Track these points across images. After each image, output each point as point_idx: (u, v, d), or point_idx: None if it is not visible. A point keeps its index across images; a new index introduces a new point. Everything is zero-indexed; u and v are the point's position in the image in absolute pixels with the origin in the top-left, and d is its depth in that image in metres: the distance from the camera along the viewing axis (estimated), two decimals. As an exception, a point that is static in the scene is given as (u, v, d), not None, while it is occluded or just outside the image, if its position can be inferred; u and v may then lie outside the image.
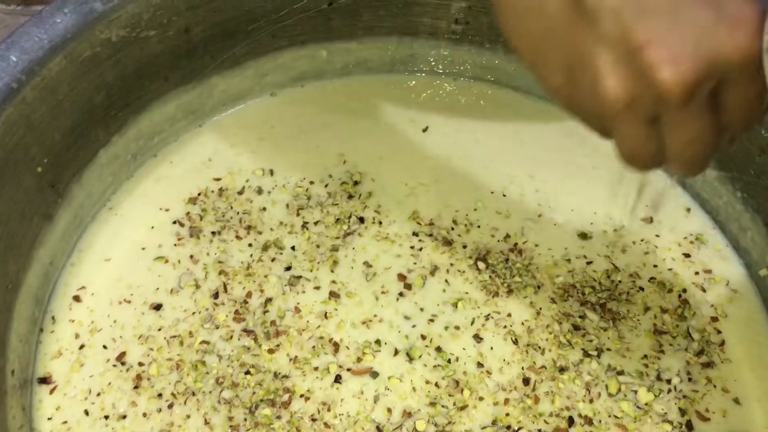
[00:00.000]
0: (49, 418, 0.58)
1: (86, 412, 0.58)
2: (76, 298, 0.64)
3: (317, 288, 0.66)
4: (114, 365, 0.61)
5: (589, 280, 0.67)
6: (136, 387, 0.60)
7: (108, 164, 0.68)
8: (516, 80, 0.81)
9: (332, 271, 0.67)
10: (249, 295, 0.65)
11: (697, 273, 0.69)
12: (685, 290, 0.67)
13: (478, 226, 0.71)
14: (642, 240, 0.70)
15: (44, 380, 0.59)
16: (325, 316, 0.64)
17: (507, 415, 0.59)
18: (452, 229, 0.71)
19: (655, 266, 0.69)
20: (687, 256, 0.70)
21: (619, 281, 0.67)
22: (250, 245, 0.68)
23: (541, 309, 0.65)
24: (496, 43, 0.79)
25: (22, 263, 0.58)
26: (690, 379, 0.62)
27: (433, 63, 0.81)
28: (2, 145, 0.54)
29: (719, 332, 0.65)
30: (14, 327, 0.57)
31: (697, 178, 0.73)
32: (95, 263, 0.66)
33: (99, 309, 0.64)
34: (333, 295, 0.66)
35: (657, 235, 0.71)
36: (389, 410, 0.59)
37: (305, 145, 0.76)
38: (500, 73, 0.81)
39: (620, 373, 0.62)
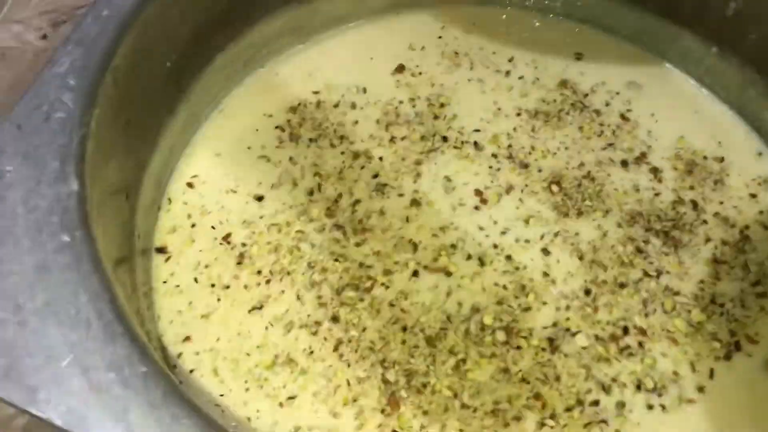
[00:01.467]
0: (164, 282, 0.66)
1: (195, 280, 0.67)
2: (189, 185, 0.72)
3: (401, 195, 0.72)
4: (220, 243, 0.69)
5: (655, 210, 0.72)
6: (239, 263, 0.68)
7: (222, 69, 0.75)
8: (603, 20, 0.84)
9: (414, 182, 0.73)
10: (340, 196, 0.72)
11: (761, 212, 0.72)
12: (747, 227, 0.71)
13: (555, 153, 0.76)
14: (711, 178, 0.74)
15: (161, 250, 0.68)
16: (407, 220, 0.71)
17: (567, 319, 0.65)
18: (530, 153, 0.76)
19: (721, 203, 0.73)
20: (753, 196, 0.73)
21: (684, 213, 0.72)
22: (342, 153, 0.75)
23: (607, 232, 0.70)
24: (587, -18, 0.82)
25: (149, 146, 0.67)
26: (743, 306, 0.66)
27: (524, -2, 0.86)
28: (141, 40, 0.61)
29: (776, 266, 0.69)
30: (140, 199, 0.65)
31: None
32: (207, 156, 0.74)
33: (209, 195, 0.72)
34: (414, 202, 0.72)
35: (727, 175, 0.74)
36: (459, 304, 0.66)
37: (397, 68, 0.82)
38: (588, 12, 0.84)
39: (676, 294, 0.67)
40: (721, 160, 0.76)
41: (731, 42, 0.76)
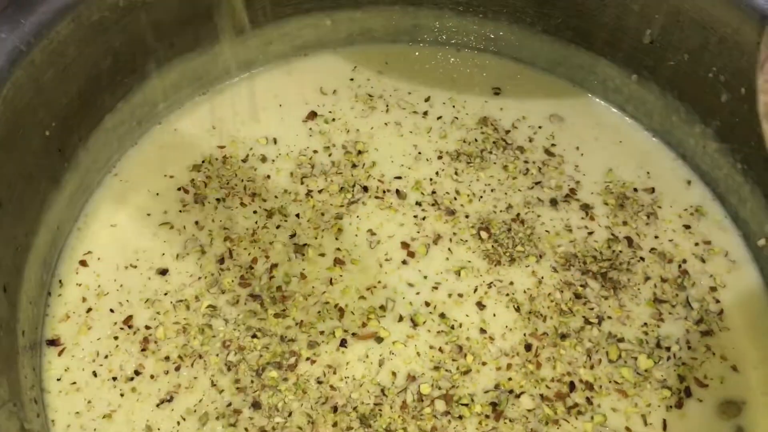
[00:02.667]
0: (58, 379, 0.58)
1: (94, 374, 0.59)
2: (83, 263, 0.64)
3: (322, 255, 0.67)
4: (121, 328, 0.61)
5: (590, 250, 0.68)
6: (143, 350, 0.60)
7: (113, 130, 0.68)
8: (518, 52, 0.81)
9: (336, 239, 0.68)
10: (254, 261, 0.66)
11: (696, 244, 0.70)
12: (685, 261, 0.68)
13: (480, 197, 0.71)
14: (644, 211, 0.71)
15: (53, 342, 0.60)
16: (330, 283, 0.65)
17: (509, 379, 0.60)
18: (455, 198, 0.71)
19: (656, 237, 0.70)
20: (687, 227, 0.71)
21: (620, 251, 0.68)
22: (254, 212, 0.69)
23: (542, 278, 0.66)
24: (499, 14, 0.79)
25: (30, 226, 0.59)
26: (689, 347, 0.63)
27: (437, 33, 0.81)
28: (11, 107, 0.54)
29: (718, 301, 0.66)
30: (24, 289, 0.57)
31: (698, 150, 0.73)
32: (101, 228, 0.67)
33: (105, 273, 0.64)
34: (338, 262, 0.66)
35: (659, 206, 0.72)
36: (394, 374, 0.60)
37: (308, 115, 0.76)
38: (503, 44, 0.81)
39: (620, 340, 0.63)
40: (652, 191, 0.73)
41: (650, 69, 0.74)
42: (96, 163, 0.67)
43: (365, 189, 0.71)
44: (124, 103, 0.68)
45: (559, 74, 0.81)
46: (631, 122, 0.78)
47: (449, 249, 0.68)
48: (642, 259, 0.68)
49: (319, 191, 0.71)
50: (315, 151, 0.74)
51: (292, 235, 0.68)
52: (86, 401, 0.58)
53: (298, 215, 0.69)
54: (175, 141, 0.73)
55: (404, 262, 0.67)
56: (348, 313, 0.63)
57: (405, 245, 0.68)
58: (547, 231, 0.69)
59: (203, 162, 0.72)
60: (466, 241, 0.68)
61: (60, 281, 0.63)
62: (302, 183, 0.71)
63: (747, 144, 0.68)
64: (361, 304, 0.64)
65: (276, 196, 0.70)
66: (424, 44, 0.82)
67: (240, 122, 0.75)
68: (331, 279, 0.65)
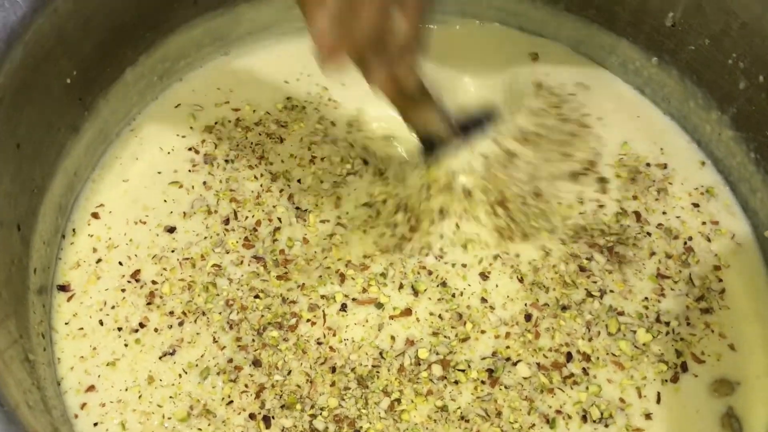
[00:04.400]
0: (66, 323, 0.60)
1: (100, 322, 0.60)
2: (95, 215, 0.66)
3: (324, 222, 0.67)
4: (129, 281, 0.63)
5: (599, 224, 0.68)
6: (148, 303, 0.62)
7: (134, 83, 0.69)
8: (542, 28, 0.80)
9: (336, 207, 0.68)
10: (258, 223, 0.66)
11: (704, 223, 0.69)
12: (690, 238, 0.68)
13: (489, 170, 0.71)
14: (654, 186, 0.71)
15: (63, 288, 0.62)
16: (332, 249, 0.65)
17: (507, 347, 0.61)
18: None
19: (663, 213, 0.69)
20: (696, 206, 0.70)
21: (628, 225, 0.68)
22: (261, 175, 0.69)
23: (550, 250, 0.66)
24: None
25: (47, 170, 0.60)
26: (688, 324, 0.63)
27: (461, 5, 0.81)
28: (33, 54, 0.55)
29: (720, 280, 0.66)
30: (38, 229, 0.59)
31: (713, 136, 0.73)
32: (114, 182, 0.68)
33: (116, 227, 0.65)
34: (339, 228, 0.66)
35: (670, 183, 0.71)
36: (393, 338, 0.61)
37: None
38: (526, 20, 0.80)
39: (621, 313, 0.63)
40: (664, 167, 0.72)
41: (671, 52, 0.73)
42: (115, 115, 0.69)
43: (365, 162, 0.71)
44: (146, 57, 0.69)
45: (579, 53, 0.80)
46: (649, 104, 0.78)
47: (456, 224, 0.67)
48: (648, 234, 0.68)
49: (322, 159, 0.71)
50: (332, 123, 0.74)
51: (295, 200, 0.68)
52: (91, 347, 0.59)
53: (299, 180, 0.69)
54: (191, 100, 0.74)
55: (408, 234, 0.67)
56: (348, 279, 0.64)
57: (408, 219, 0.67)
58: (559, 203, 0.69)
59: (216, 123, 0.72)
60: (477, 216, 0.67)
61: (73, 230, 0.65)
62: (309, 149, 0.71)
63: (762, 133, 0.68)
64: (362, 271, 0.64)
65: (282, 161, 0.71)
66: (445, 14, 0.82)
67: (257, 86, 0.76)
68: (333, 245, 0.65)
